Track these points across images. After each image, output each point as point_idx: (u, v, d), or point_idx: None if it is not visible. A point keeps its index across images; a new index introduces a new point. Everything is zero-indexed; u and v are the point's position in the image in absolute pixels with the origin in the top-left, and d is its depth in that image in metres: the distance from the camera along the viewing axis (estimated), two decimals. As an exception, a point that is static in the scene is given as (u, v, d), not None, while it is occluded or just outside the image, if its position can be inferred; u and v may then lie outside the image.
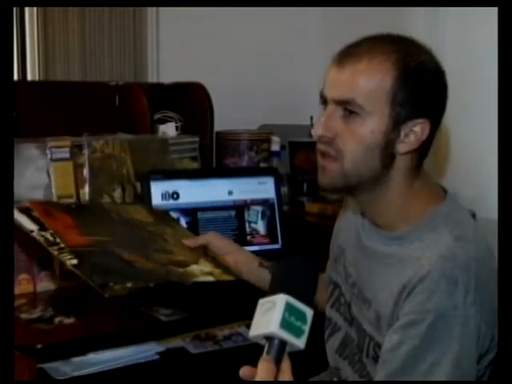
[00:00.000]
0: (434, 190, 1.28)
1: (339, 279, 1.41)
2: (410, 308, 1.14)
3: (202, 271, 1.37)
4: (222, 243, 1.56)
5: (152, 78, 2.45)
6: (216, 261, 1.46)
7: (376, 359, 1.25)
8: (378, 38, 1.23)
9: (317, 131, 1.23)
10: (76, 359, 1.49)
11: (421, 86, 1.19)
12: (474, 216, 2.02)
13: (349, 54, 1.21)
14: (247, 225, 2.06)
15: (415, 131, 1.20)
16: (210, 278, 1.36)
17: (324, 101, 1.24)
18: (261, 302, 1.01)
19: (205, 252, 1.50)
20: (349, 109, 1.19)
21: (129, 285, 1.21)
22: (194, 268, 1.37)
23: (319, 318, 1.46)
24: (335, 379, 1.42)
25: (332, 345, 1.42)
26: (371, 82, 1.18)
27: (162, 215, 1.63)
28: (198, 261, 1.41)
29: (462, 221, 1.23)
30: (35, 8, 2.22)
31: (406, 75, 1.18)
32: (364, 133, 1.19)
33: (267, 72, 2.61)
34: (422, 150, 1.23)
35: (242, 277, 1.50)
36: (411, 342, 1.13)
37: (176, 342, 1.67)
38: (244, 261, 1.56)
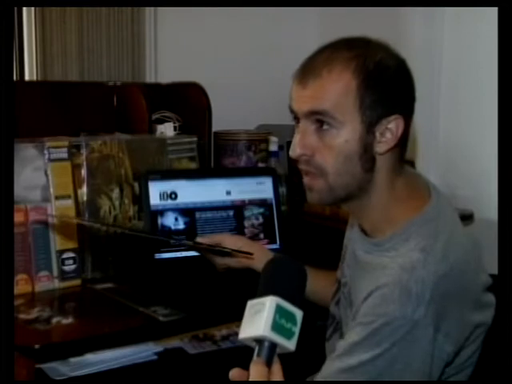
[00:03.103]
0: (418, 190, 1.27)
1: (341, 277, 1.42)
2: (363, 311, 1.15)
3: None
4: (234, 240, 1.69)
5: (150, 79, 2.45)
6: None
7: None
8: (333, 47, 1.23)
9: (295, 151, 1.23)
10: (74, 359, 1.49)
11: (385, 84, 1.19)
12: (472, 216, 2.03)
13: (308, 70, 1.21)
14: (245, 225, 2.06)
15: (390, 128, 1.19)
16: None
17: (295, 116, 1.25)
18: (250, 303, 1.00)
19: None
20: (321, 120, 1.19)
21: None
22: None
23: (316, 319, 1.47)
24: None
25: (333, 343, 1.41)
26: (336, 92, 1.18)
27: None
28: None
29: (436, 232, 1.20)
30: (33, 8, 2.22)
31: (369, 78, 1.18)
32: (339, 143, 1.19)
33: (265, 72, 2.61)
34: (401, 146, 1.23)
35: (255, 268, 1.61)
36: (352, 338, 1.14)
37: (174, 343, 1.67)
38: (257, 254, 1.63)
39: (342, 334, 1.33)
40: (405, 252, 1.17)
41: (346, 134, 1.18)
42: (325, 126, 1.19)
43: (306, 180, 1.25)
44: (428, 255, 1.15)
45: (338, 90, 1.18)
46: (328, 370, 1.17)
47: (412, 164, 1.78)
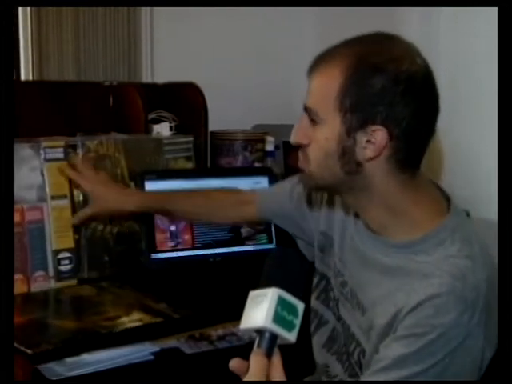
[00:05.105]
0: (435, 198, 1.25)
1: (328, 271, 1.38)
2: (414, 322, 1.12)
3: (130, 319, 1.62)
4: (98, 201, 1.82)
5: (146, 78, 2.44)
6: (150, 311, 1.68)
7: (360, 366, 1.25)
8: (345, 42, 1.20)
9: (291, 138, 1.24)
10: (70, 359, 1.48)
11: (372, 90, 1.13)
12: (468, 216, 2.03)
13: (312, 64, 1.21)
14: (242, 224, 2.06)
15: (375, 138, 1.15)
16: (138, 323, 1.61)
17: None
18: (252, 294, 1.00)
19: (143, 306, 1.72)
20: (310, 117, 1.20)
21: (54, 340, 1.50)
22: (124, 319, 1.63)
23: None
24: (324, 378, 1.41)
25: (319, 339, 1.41)
26: (321, 88, 1.18)
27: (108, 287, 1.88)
28: (131, 313, 1.66)
29: (469, 237, 1.20)
30: (29, 7, 2.22)
31: (353, 79, 1.14)
32: (321, 140, 1.19)
33: (261, 72, 2.60)
34: (398, 155, 1.16)
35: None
36: (399, 350, 1.12)
37: (170, 343, 1.66)
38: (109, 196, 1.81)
39: (350, 336, 1.29)
40: (443, 258, 1.15)
41: (326, 132, 1.18)
42: (314, 122, 1.20)
43: (299, 164, 1.26)
44: (474, 262, 1.14)
45: (322, 86, 1.18)
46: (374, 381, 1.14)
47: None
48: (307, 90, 1.21)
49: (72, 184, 1.88)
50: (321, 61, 1.20)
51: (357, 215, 1.31)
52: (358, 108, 1.14)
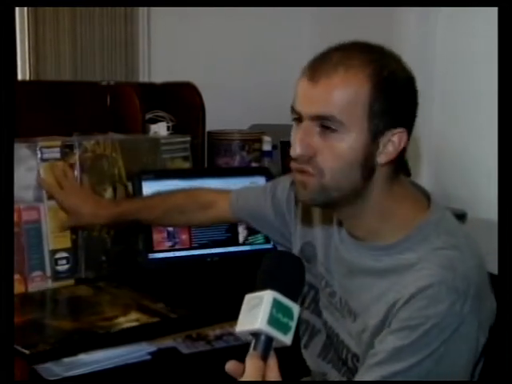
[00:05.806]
0: (416, 196, 1.26)
1: (315, 282, 1.37)
2: (407, 315, 1.12)
3: (127, 319, 1.63)
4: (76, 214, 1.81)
5: (143, 78, 2.44)
6: (147, 310, 1.68)
7: (357, 369, 1.24)
8: (350, 48, 1.18)
9: (296, 151, 1.17)
10: (67, 360, 1.49)
11: (395, 94, 1.15)
12: (465, 216, 2.04)
13: (322, 67, 1.15)
14: (239, 225, 2.06)
15: (393, 141, 1.16)
16: (135, 323, 1.61)
17: (298, 117, 1.18)
18: (247, 297, 1.01)
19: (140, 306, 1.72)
20: (326, 125, 1.14)
21: (51, 341, 1.50)
22: (121, 319, 1.63)
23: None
24: None
25: (313, 350, 1.40)
26: (348, 95, 1.13)
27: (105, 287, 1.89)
28: (128, 313, 1.66)
29: (453, 229, 1.22)
30: (26, 7, 2.21)
31: (381, 85, 1.14)
32: (343, 149, 1.15)
33: (259, 72, 2.60)
34: (399, 159, 1.20)
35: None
36: (394, 343, 1.12)
37: (167, 342, 1.67)
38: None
39: (340, 343, 1.29)
40: (430, 251, 1.16)
41: (350, 141, 1.14)
42: (329, 130, 1.14)
43: (299, 177, 1.19)
44: (462, 251, 1.16)
45: (349, 92, 1.13)
46: (371, 377, 1.14)
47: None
48: (312, 98, 1.15)
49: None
50: (334, 67, 1.15)
51: (340, 224, 1.30)
52: (386, 112, 1.15)
